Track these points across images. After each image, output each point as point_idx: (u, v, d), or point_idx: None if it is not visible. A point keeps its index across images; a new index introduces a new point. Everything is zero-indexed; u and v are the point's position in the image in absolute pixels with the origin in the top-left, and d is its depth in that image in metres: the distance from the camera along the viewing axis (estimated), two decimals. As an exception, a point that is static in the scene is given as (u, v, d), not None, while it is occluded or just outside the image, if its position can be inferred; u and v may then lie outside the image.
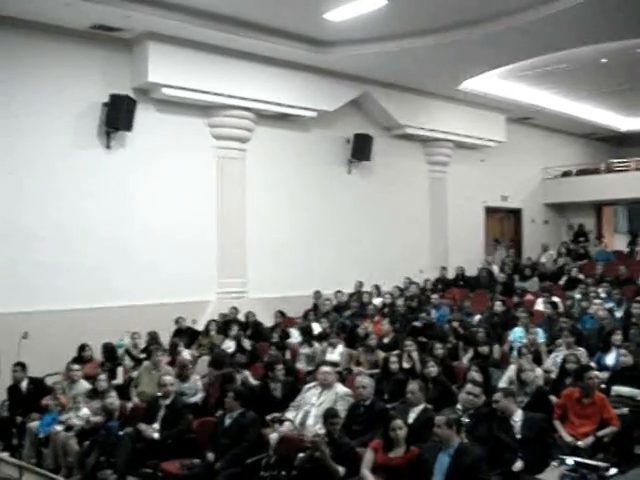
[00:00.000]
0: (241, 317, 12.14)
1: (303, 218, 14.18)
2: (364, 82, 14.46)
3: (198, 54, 11.86)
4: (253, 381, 9.03)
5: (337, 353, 9.98)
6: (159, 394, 7.78)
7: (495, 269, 16.21)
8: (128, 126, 11.53)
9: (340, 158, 15.01)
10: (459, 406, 6.69)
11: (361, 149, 14.95)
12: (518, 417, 6.39)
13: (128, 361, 10.38)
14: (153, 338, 10.58)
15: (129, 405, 8.42)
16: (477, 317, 11.66)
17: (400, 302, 12.54)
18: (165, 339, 10.90)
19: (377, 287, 13.95)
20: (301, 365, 10.00)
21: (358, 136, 14.95)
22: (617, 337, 8.50)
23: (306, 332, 10.99)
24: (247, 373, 9.27)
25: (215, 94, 12.29)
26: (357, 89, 14.51)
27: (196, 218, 12.67)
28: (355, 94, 14.53)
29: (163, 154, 12.22)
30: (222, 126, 12.90)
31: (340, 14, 10.98)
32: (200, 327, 11.85)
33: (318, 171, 14.55)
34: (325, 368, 7.67)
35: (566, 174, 20.61)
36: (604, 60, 13.67)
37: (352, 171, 15.22)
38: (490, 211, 18.88)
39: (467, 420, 6.28)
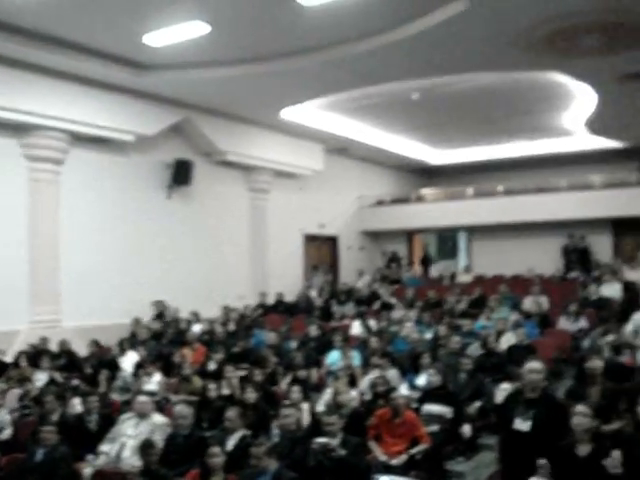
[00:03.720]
0: (56, 347, 11.62)
1: (122, 244, 13.79)
2: (185, 107, 14.37)
3: (8, 71, 11.28)
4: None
5: (154, 382, 9.75)
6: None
7: (313, 294, 16.56)
8: None
9: (160, 183, 14.75)
10: (276, 430, 6.75)
11: (181, 174, 14.79)
12: (336, 439, 6.52)
13: None
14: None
15: None
16: (295, 342, 11.83)
17: (220, 329, 12.48)
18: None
19: (196, 314, 13.80)
20: (115, 396, 9.68)
21: (178, 161, 14.78)
22: (425, 360, 8.92)
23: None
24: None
25: (26, 113, 11.71)
26: (178, 114, 14.38)
27: (5, 244, 11.96)
28: (176, 119, 14.39)
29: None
30: (34, 147, 12.30)
31: (161, 38, 10.85)
32: (9, 358, 11.18)
33: (137, 196, 14.23)
34: (141, 398, 7.48)
35: (380, 203, 21.49)
36: (415, 96, 14.42)
37: (172, 196, 15.00)
38: (308, 238, 19.28)
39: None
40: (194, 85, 12.94)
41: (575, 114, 16.11)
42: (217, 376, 9.62)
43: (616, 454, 4.85)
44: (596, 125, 16.41)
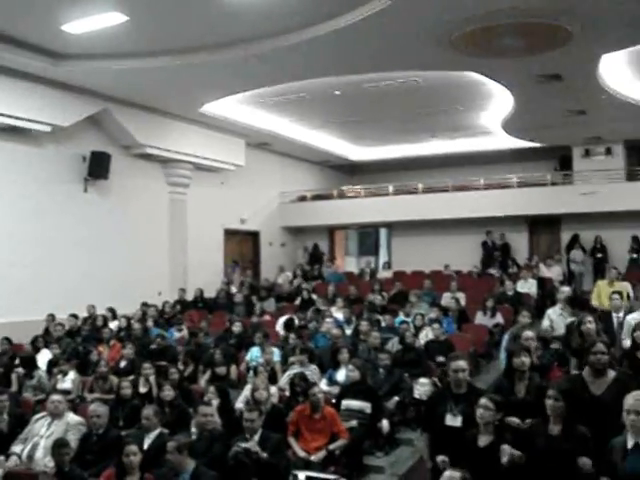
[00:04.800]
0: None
1: (35, 238, 13.32)
2: (103, 98, 14.03)
3: None
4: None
5: (69, 380, 9.51)
6: None
7: (234, 290, 16.43)
8: None
9: (76, 176, 14.35)
10: (194, 429, 6.67)
11: (98, 167, 14.44)
12: (257, 436, 6.48)
13: None
14: None
15: None
16: (214, 338, 11.70)
17: (137, 325, 12.26)
18: None
19: (112, 310, 13.47)
20: (29, 395, 9.39)
21: (95, 154, 14.43)
22: (343, 355, 8.93)
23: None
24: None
25: None
26: (95, 105, 14.03)
27: None
28: (93, 110, 14.04)
29: None
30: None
31: (79, 27, 10.55)
32: None
33: (52, 189, 13.79)
34: (55, 397, 7.29)
35: (302, 199, 21.51)
36: (337, 92, 14.48)
37: (89, 190, 14.63)
38: (229, 233, 19.12)
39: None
40: (113, 76, 12.65)
41: (494, 114, 16.45)
42: (128, 373, 9.48)
43: (505, 447, 5.06)
44: (511, 125, 16.81)
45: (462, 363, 5.74)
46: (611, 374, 5.73)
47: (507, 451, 5.03)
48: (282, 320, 12.58)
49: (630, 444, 4.56)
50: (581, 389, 5.60)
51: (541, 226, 19.42)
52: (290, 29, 10.75)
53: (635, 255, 17.19)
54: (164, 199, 16.81)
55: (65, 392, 8.57)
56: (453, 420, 5.58)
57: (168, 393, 7.72)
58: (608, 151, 18.87)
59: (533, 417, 5.60)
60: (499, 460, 5.04)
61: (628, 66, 12.91)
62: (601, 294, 9.91)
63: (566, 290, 9.21)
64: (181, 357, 10.12)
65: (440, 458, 5.27)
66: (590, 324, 7.21)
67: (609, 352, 5.82)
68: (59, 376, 9.59)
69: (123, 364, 10.24)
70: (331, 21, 10.29)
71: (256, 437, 6.44)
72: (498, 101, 15.16)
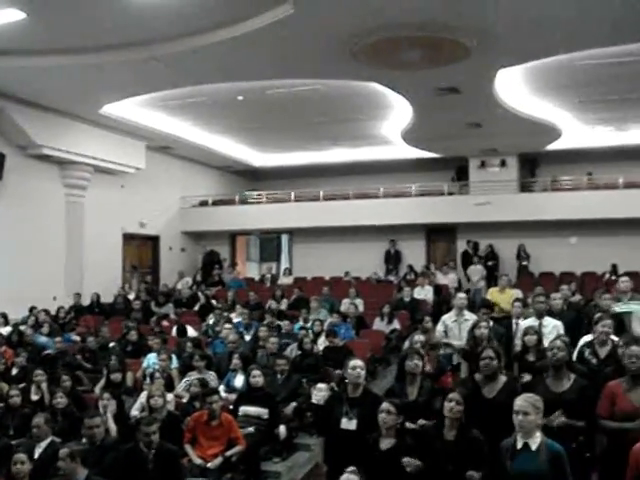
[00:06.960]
0: None
1: None
2: (-2, 96, 13.60)
3: None
4: None
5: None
6: None
7: (132, 295, 16.17)
8: None
9: (-33, 176, 13.86)
10: (84, 439, 6.54)
11: (-9, 167, 13.96)
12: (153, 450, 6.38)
13: None
14: None
15: None
16: (112, 344, 11.47)
17: (29, 331, 11.88)
18: None
19: (4, 315, 13.00)
20: None
21: (-12, 153, 13.96)
22: (236, 361, 8.99)
23: None
24: None
25: None
26: (-10, 103, 13.57)
27: None
28: (-14, 108, 13.58)
29: None
30: None
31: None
32: None
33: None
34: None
35: (203, 204, 21.35)
36: (240, 97, 14.46)
37: (-20, 190, 14.13)
38: (128, 237, 18.76)
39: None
40: (9, 74, 12.28)
41: (394, 124, 16.78)
42: (20, 380, 9.19)
43: (405, 460, 5.21)
44: (410, 136, 17.20)
45: (359, 361, 5.86)
46: (502, 378, 5.96)
47: (411, 463, 5.17)
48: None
49: (519, 444, 4.71)
50: (474, 393, 5.80)
51: (438, 234, 19.94)
52: (193, 32, 10.67)
53: (525, 263, 17.90)
54: (60, 201, 16.32)
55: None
56: (348, 424, 5.68)
57: (60, 401, 7.55)
58: (503, 163, 19.53)
59: (425, 419, 5.76)
60: (401, 463, 5.18)
61: (523, 82, 13.42)
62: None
63: (462, 296, 9.44)
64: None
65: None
66: (484, 329, 7.40)
67: (499, 357, 6.04)
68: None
69: (15, 371, 9.90)
70: (233, 27, 10.28)
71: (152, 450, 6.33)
72: (398, 112, 15.48)
